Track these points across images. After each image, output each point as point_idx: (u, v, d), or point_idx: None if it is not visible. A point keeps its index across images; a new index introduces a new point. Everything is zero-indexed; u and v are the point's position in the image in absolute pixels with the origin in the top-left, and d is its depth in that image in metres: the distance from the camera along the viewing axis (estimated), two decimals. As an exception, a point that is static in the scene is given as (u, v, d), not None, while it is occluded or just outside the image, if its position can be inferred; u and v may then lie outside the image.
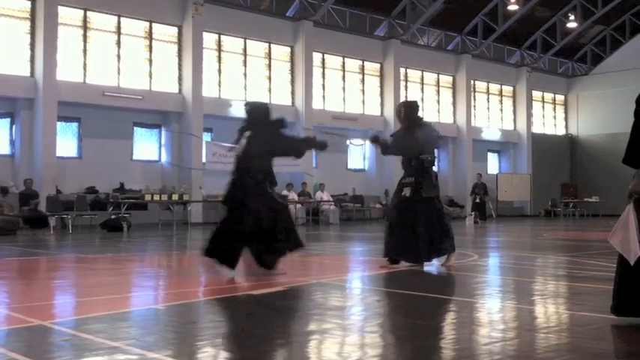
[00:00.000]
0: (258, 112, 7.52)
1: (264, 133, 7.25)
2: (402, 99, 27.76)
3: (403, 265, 7.79)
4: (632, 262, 4.28)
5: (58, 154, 19.41)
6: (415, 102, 8.51)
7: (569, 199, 32.24)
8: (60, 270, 8.73)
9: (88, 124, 20.55)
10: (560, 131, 35.94)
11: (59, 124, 19.72)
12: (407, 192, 7.84)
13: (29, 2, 19.29)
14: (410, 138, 7.96)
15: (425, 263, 7.82)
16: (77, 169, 20.25)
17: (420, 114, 8.28)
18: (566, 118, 36.10)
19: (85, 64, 20.26)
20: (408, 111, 8.12)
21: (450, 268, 7.74)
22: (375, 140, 8.55)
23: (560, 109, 36.08)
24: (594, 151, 34.17)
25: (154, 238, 14.95)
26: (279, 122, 7.48)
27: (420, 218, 7.70)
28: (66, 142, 20.25)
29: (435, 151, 8.45)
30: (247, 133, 7.33)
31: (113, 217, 17.46)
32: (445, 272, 7.54)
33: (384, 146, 8.26)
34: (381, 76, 27.56)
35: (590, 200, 31.13)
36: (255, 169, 7.04)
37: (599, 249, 11.51)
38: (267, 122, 7.43)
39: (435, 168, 8.22)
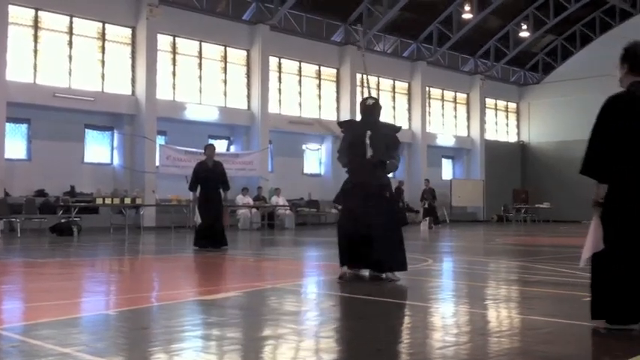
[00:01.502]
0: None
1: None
2: (358, 105, 27.92)
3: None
4: (580, 264, 4.41)
5: (6, 156, 18.94)
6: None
7: (520, 204, 32.85)
8: (8, 275, 8.51)
9: (38, 125, 20.12)
10: (513, 138, 36.60)
11: (8, 126, 19.26)
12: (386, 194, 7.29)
13: (-22, 0, 18.83)
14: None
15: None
16: (26, 171, 19.79)
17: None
18: (518, 126, 36.80)
19: (35, 65, 19.85)
20: (378, 111, 7.60)
21: (391, 281, 6.94)
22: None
23: (512, 117, 36.76)
24: (545, 157, 34.89)
25: (106, 242, 14.70)
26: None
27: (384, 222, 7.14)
28: (15, 143, 19.79)
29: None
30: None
31: (63, 220, 17.13)
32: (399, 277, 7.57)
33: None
34: (338, 81, 27.66)
35: (540, 206, 31.79)
36: None
37: (550, 254, 11.74)
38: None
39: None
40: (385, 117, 31.73)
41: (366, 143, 7.14)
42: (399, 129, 7.91)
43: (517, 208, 32.54)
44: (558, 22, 32.16)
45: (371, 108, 7.45)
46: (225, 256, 10.92)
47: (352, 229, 7.03)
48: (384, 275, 6.97)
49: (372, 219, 6.92)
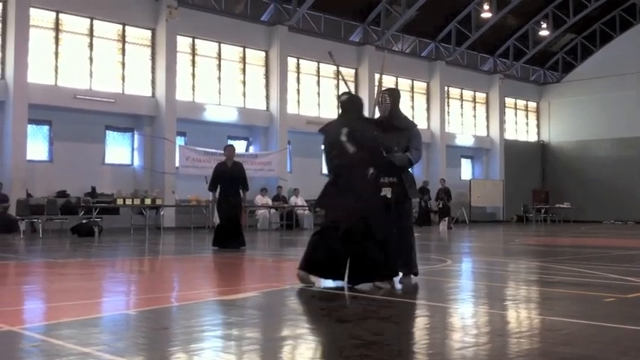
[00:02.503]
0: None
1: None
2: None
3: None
4: None
5: (28, 158, 19.15)
6: (398, 90, 7.55)
7: (540, 204, 32.61)
8: (30, 275, 8.61)
9: (59, 127, 20.32)
10: (532, 138, 36.35)
11: (30, 127, 19.47)
12: (387, 193, 6.76)
13: (0, 4, 19.04)
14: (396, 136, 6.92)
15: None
16: (48, 172, 20.00)
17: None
18: (538, 125, 36.54)
19: (56, 67, 20.05)
20: (394, 102, 7.02)
21: (407, 284, 6.77)
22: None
23: (532, 116, 36.51)
24: (565, 157, 34.61)
25: (126, 242, 14.81)
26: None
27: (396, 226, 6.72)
28: (37, 145, 20.00)
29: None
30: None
31: (84, 221, 17.26)
32: (419, 278, 7.55)
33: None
34: (356, 81, 27.64)
35: (561, 206, 31.54)
36: None
37: (570, 254, 11.65)
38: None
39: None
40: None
41: (343, 140, 6.51)
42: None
43: (537, 208, 32.31)
44: (578, 21, 31.91)
45: (344, 104, 6.84)
46: (244, 256, 10.96)
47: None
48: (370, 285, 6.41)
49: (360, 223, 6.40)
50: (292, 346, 4.06)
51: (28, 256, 11.54)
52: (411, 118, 7.31)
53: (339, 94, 6.87)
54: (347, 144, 6.49)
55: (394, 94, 7.15)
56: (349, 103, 6.80)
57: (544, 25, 31.76)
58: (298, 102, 26.01)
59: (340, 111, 6.91)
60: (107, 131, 21.60)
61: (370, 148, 6.56)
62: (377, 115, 7.11)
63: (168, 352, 3.84)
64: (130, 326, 4.77)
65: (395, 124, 6.96)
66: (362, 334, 4.41)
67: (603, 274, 7.89)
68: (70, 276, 8.23)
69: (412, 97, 30.09)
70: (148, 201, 19.13)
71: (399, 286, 6.56)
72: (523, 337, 4.28)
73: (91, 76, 20.67)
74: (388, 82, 29.05)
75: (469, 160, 33.58)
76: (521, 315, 5.29)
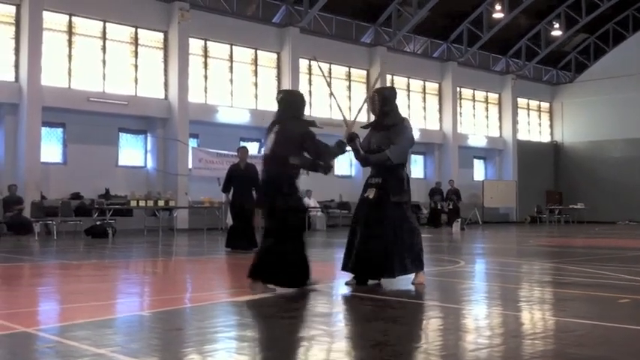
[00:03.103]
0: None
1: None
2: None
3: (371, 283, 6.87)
4: None
5: (42, 160, 19.27)
6: (392, 88, 7.49)
7: (554, 205, 32.44)
8: (44, 276, 8.66)
9: (72, 129, 20.43)
10: (545, 138, 36.17)
11: (44, 130, 19.59)
12: (371, 194, 6.71)
13: (14, 7, 19.17)
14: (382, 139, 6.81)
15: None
16: (62, 174, 20.12)
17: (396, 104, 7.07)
18: (551, 126, 36.36)
19: (69, 70, 20.17)
20: (382, 100, 6.94)
21: (419, 286, 6.71)
22: (352, 139, 6.92)
23: (545, 117, 36.33)
24: (579, 158, 34.42)
25: (140, 244, 14.87)
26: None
27: (384, 227, 6.59)
28: (50, 147, 20.12)
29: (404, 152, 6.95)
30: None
31: (98, 223, 17.35)
32: (432, 279, 7.54)
33: (358, 154, 6.94)
34: (368, 82, 27.62)
35: (575, 207, 31.36)
36: None
37: (584, 255, 11.59)
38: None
39: (407, 171, 7.11)
40: (416, 118, 31.71)
41: (270, 138, 6.41)
42: (312, 123, 6.64)
43: (550, 208, 32.15)
44: (590, 21, 31.72)
45: (279, 103, 6.58)
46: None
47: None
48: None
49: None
50: (305, 348, 4.07)
51: (43, 257, 11.62)
52: (403, 115, 7.11)
53: (277, 91, 6.68)
54: (270, 142, 6.40)
55: (384, 92, 7.12)
56: (281, 103, 6.57)
57: (556, 25, 31.60)
58: (310, 104, 26.01)
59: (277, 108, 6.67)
60: (120, 133, 21.70)
61: (289, 148, 6.31)
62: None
63: (182, 354, 3.86)
64: (144, 327, 4.79)
65: (385, 122, 6.89)
66: (374, 334, 4.41)
67: (617, 275, 7.85)
68: (84, 277, 8.28)
69: (424, 98, 30.01)
70: (161, 203, 19.19)
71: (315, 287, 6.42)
72: (537, 339, 4.27)
73: (104, 78, 20.78)
74: (400, 82, 29.04)
75: (482, 161, 33.45)
76: (534, 316, 5.27)
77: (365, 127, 7.30)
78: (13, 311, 5.40)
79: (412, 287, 6.66)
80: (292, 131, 6.32)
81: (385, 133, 6.80)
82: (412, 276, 6.81)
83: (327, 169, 6.56)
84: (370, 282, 6.76)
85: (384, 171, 6.73)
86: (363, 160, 6.92)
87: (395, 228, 6.60)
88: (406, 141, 6.84)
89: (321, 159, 6.48)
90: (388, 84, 28.11)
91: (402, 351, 3.93)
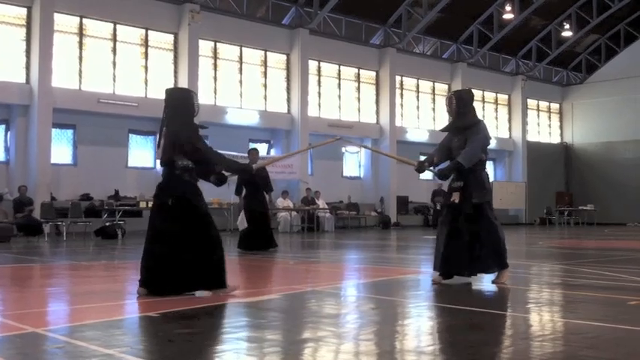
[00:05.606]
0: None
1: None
2: (398, 107, 27.86)
3: (456, 280, 7.11)
4: None
5: (52, 161, 19.38)
6: (468, 91, 7.53)
7: (564, 207, 32.31)
8: (54, 277, 8.70)
9: (83, 131, 20.53)
10: (555, 139, 36.04)
11: (54, 131, 19.70)
12: (456, 198, 6.98)
13: (25, 9, 19.29)
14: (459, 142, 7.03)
15: (472, 277, 7.12)
16: (72, 176, 20.21)
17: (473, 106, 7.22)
18: (561, 127, 36.23)
19: (80, 71, 20.27)
20: (459, 102, 7.07)
21: (499, 284, 6.98)
22: (422, 171, 7.60)
23: (555, 118, 36.21)
24: (589, 159, 34.28)
25: (149, 245, 14.86)
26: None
27: (469, 227, 6.92)
28: (61, 149, 20.23)
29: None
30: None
31: (108, 224, 17.41)
32: (440, 281, 7.52)
33: (437, 176, 7.32)
34: (377, 84, 27.61)
35: (585, 208, 31.21)
36: None
37: (594, 257, 11.52)
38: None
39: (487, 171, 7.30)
40: (425, 119, 31.67)
41: (159, 142, 6.30)
42: (200, 127, 6.49)
43: (560, 210, 32.01)
44: (601, 21, 31.60)
45: (165, 101, 6.31)
46: (265, 258, 10.98)
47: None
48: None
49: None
50: (313, 349, 4.06)
51: (53, 258, 11.67)
52: (479, 117, 7.28)
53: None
54: (158, 147, 6.31)
55: (461, 94, 7.27)
56: (168, 101, 6.28)
57: (567, 26, 31.50)
58: (319, 105, 26.03)
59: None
60: (130, 135, 21.78)
61: (175, 153, 6.18)
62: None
63: (191, 354, 3.86)
64: (153, 328, 4.80)
65: (461, 124, 7.06)
66: (382, 336, 4.40)
67: (628, 276, 7.80)
68: (93, 278, 8.31)
69: (433, 100, 29.97)
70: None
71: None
72: (546, 340, 4.25)
73: (114, 80, 20.87)
74: (409, 83, 29.02)
75: (491, 162, 33.34)
76: (544, 318, 5.24)
77: (443, 129, 7.59)
78: (23, 312, 5.42)
79: (418, 288, 6.64)
80: (176, 135, 6.12)
81: (460, 137, 7.05)
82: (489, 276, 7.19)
83: (220, 179, 6.75)
84: (458, 281, 7.02)
85: (464, 174, 6.96)
86: (441, 177, 7.21)
87: (481, 227, 6.93)
88: (477, 142, 6.98)
89: (213, 166, 6.56)
90: (397, 85, 28.14)
91: (405, 351, 3.92)
